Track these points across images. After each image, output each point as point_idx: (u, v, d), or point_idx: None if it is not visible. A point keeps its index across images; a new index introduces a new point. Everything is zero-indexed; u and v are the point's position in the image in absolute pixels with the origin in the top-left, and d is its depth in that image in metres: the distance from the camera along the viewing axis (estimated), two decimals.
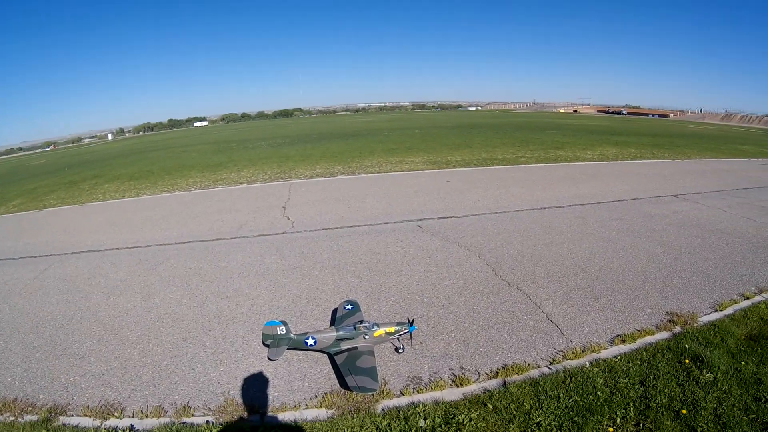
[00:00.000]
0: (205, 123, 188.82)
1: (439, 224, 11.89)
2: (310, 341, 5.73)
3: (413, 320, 6.05)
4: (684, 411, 4.73)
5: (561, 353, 5.99)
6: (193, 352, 6.21)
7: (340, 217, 12.70)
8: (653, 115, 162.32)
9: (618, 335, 6.41)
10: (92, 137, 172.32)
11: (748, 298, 7.63)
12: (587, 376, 5.37)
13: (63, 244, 11.64)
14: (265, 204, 14.87)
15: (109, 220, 14.34)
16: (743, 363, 5.59)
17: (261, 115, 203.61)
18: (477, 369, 5.70)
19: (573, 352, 5.95)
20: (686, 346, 5.97)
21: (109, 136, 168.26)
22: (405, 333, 5.94)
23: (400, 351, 6.05)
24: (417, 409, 4.83)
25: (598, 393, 5.06)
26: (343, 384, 5.31)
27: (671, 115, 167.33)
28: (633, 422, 4.62)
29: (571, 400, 4.93)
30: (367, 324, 5.84)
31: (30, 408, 5.22)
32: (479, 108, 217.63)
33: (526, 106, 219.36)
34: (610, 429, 4.51)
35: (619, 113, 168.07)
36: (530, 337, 6.41)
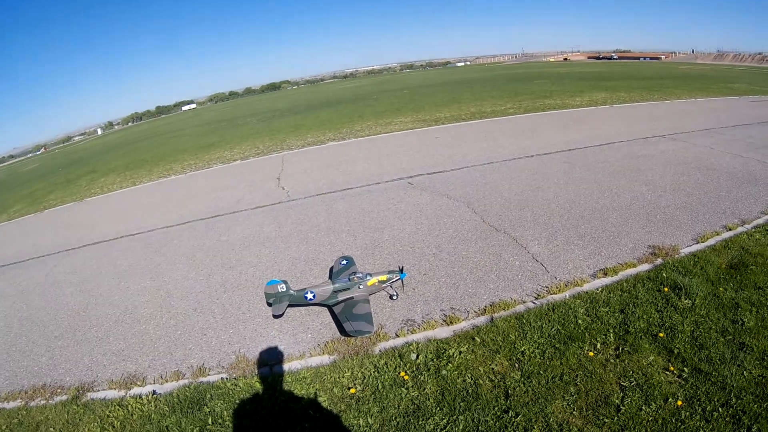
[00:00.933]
0: (193, 106, 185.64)
1: (429, 180, 12.16)
2: (309, 295, 6.11)
3: (403, 267, 6.47)
4: (661, 334, 5.07)
5: (545, 288, 6.35)
6: (204, 320, 6.61)
7: (332, 182, 12.97)
8: (644, 58, 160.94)
9: (600, 269, 6.76)
10: (82, 134, 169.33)
11: (730, 230, 7.93)
12: (569, 307, 5.72)
13: (68, 240, 11.89)
14: (259, 177, 15.13)
15: (111, 211, 14.60)
16: (722, 289, 5.91)
17: (249, 91, 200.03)
18: (466, 308, 6.08)
19: (557, 287, 6.32)
20: (665, 275, 6.32)
21: (99, 131, 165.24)
22: (396, 280, 6.32)
23: (394, 298, 6.47)
24: (411, 347, 5.22)
25: (579, 322, 5.41)
26: (342, 331, 5.72)
27: (663, 57, 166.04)
28: (613, 346, 4.97)
29: (553, 330, 5.30)
30: (360, 275, 6.20)
31: (59, 390, 5.63)
32: (468, 63, 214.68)
33: (515, 57, 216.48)
34: (591, 353, 4.86)
35: (610, 58, 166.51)
36: (516, 276, 6.77)
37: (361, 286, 6.14)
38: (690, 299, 5.71)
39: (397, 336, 5.59)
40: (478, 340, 5.23)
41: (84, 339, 6.70)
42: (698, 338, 5.00)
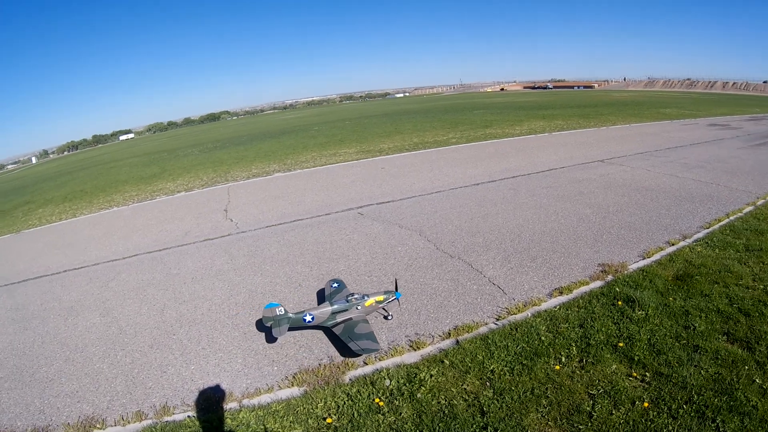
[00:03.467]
0: (131, 135, 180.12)
1: (379, 209, 12.48)
2: (308, 317, 6.29)
3: (397, 286, 6.88)
4: (621, 344, 5.51)
5: (505, 310, 6.70)
6: (162, 356, 6.47)
7: (282, 213, 13.04)
8: (578, 86, 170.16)
9: (556, 288, 7.22)
10: (15, 163, 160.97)
11: (673, 245, 8.73)
12: (531, 325, 6.08)
13: (7, 274, 11.30)
14: (206, 209, 14.96)
15: (51, 243, 13.96)
16: (671, 299, 6.54)
17: (188, 122, 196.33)
18: (431, 333, 6.31)
19: (516, 308, 6.67)
20: (618, 290, 6.87)
21: (33, 160, 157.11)
22: (392, 300, 6.65)
23: (389, 318, 6.75)
24: (381, 373, 5.39)
25: (542, 338, 5.77)
26: (346, 351, 5.91)
27: (596, 85, 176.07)
28: (577, 359, 5.35)
29: (518, 347, 5.62)
30: (357, 296, 6.49)
31: None
32: (407, 94, 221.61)
33: (453, 88, 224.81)
34: (557, 367, 5.21)
35: (545, 88, 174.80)
36: (476, 300, 7.09)
37: (358, 307, 6.40)
38: (643, 310, 6.25)
39: (366, 364, 5.74)
40: (447, 362, 5.48)
41: (33, 380, 6.41)
42: (655, 345, 5.48)
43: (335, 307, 6.41)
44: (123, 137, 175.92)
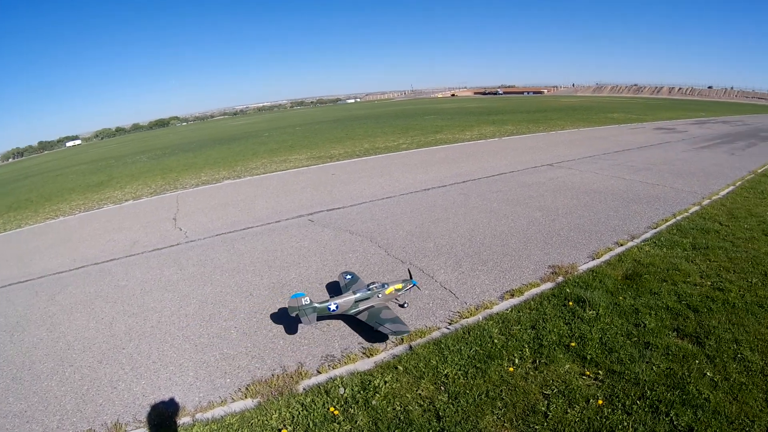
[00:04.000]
0: (78, 141, 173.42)
1: (329, 216, 12.39)
2: (333, 306, 6.49)
3: (411, 274, 7.29)
4: (573, 344, 5.61)
5: (458, 314, 6.71)
6: (112, 371, 6.21)
7: (232, 222, 12.80)
8: (528, 92, 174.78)
9: (507, 291, 7.30)
10: None
11: (621, 245, 9.01)
12: (483, 328, 6.11)
13: None
14: (154, 218, 14.54)
15: None
16: (621, 298, 6.73)
17: (136, 127, 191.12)
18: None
19: (468, 311, 6.70)
20: (568, 291, 7.02)
21: None
22: (410, 288, 6.99)
23: (405, 306, 7.06)
24: (335, 381, 5.32)
25: (495, 341, 5.80)
26: (376, 336, 6.25)
27: (545, 91, 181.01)
28: (530, 360, 5.40)
29: (472, 351, 5.63)
30: (378, 284, 6.77)
31: None
32: (358, 100, 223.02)
33: (405, 94, 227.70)
34: (511, 369, 5.24)
35: (496, 93, 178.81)
36: (428, 305, 7.09)
37: (379, 295, 6.68)
38: (594, 310, 6.40)
39: (319, 372, 5.65)
40: (401, 368, 5.44)
41: None
42: (607, 343, 5.61)
43: (358, 295, 6.66)
44: (70, 143, 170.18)
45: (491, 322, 6.31)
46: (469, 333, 6.05)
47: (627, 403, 4.57)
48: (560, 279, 7.57)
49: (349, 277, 7.66)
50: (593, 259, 8.42)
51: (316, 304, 6.39)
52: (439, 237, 9.99)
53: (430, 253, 9.11)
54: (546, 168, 17.04)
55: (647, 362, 5.18)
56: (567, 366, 5.21)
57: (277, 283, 8.38)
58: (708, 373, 4.95)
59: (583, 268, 7.99)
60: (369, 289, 6.72)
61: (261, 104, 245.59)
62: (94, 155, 61.19)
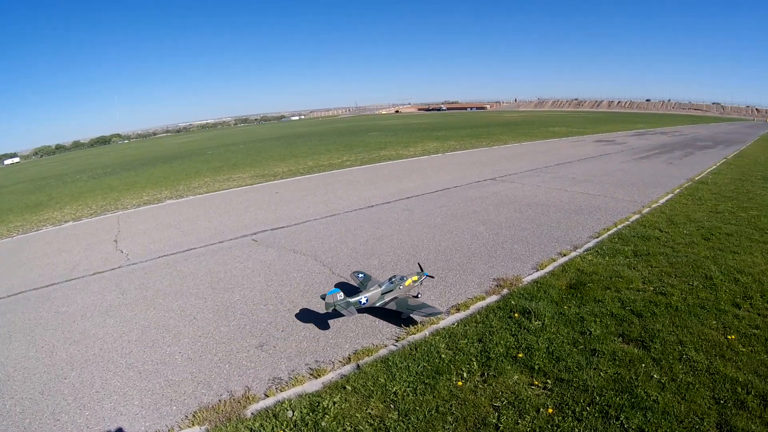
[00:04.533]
0: (16, 159, 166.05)
1: (273, 235, 12.24)
2: (363, 300, 7.05)
3: (422, 267, 7.94)
4: (520, 355, 5.68)
5: (404, 330, 6.70)
6: (54, 403, 5.92)
7: (174, 243, 12.46)
8: (471, 108, 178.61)
9: (453, 305, 7.37)
10: None
11: (565, 255, 9.26)
12: (430, 344, 6.11)
13: None
14: (95, 240, 14.01)
15: None
16: (566, 307, 6.90)
17: (77, 145, 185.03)
18: (331, 359, 6.20)
19: (415, 328, 6.70)
20: (513, 303, 7.13)
21: None
22: (424, 279, 7.78)
23: (419, 296, 7.67)
24: (284, 404, 5.21)
25: (443, 356, 5.82)
26: (407, 321, 7.01)
27: (488, 106, 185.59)
28: (478, 373, 5.42)
29: (420, 367, 5.62)
30: (398, 278, 7.46)
31: None
32: (303, 117, 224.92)
33: (349, 110, 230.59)
34: (459, 383, 5.25)
35: (439, 109, 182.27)
36: (374, 323, 7.06)
37: (400, 287, 7.32)
38: (540, 320, 6.52)
39: (267, 396, 5.54)
40: (350, 388, 5.38)
41: None
42: (554, 352, 5.71)
43: (383, 288, 7.27)
44: (8, 161, 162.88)
45: (438, 337, 6.33)
46: (416, 349, 6.04)
47: (577, 410, 4.66)
48: (505, 291, 7.68)
49: (361, 275, 8.18)
50: (537, 270, 8.61)
51: (350, 299, 6.89)
52: (383, 254, 10.00)
53: (374, 271, 9.08)
54: (489, 182, 17.40)
55: (595, 368, 5.30)
56: (515, 377, 5.26)
57: (221, 305, 8.21)
58: (655, 376, 5.12)
59: (527, 279, 8.14)
60: (392, 282, 7.35)
61: (205, 121, 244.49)
62: (33, 173, 58.94)
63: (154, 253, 11.75)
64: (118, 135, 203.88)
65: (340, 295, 6.83)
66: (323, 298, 6.84)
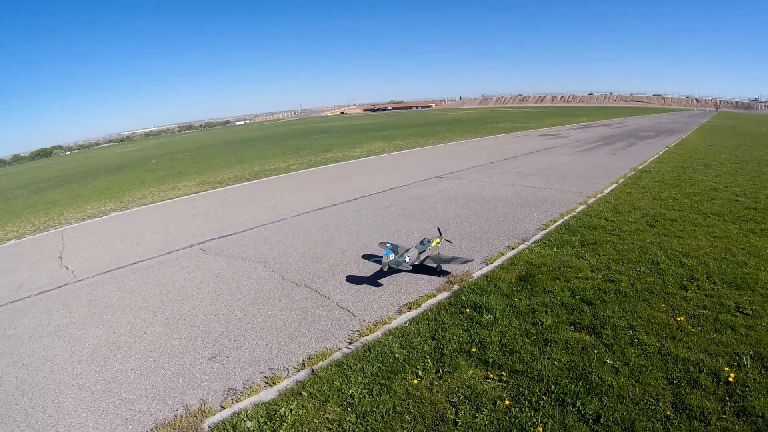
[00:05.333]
0: None
1: (221, 243, 12.02)
2: (407, 259, 8.29)
3: (441, 231, 9.50)
4: (474, 349, 5.72)
5: (357, 332, 6.66)
6: (7, 430, 5.66)
7: (121, 256, 12.07)
8: (417, 107, 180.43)
9: (404, 305, 7.39)
10: None
11: (513, 248, 9.44)
12: (384, 344, 6.10)
13: None
14: (39, 258, 13.42)
15: None
16: (517, 300, 7.01)
17: (17, 159, 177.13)
18: (285, 366, 6.10)
19: (367, 329, 6.67)
20: (464, 298, 7.21)
21: None
22: (442, 241, 9.24)
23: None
24: (240, 415, 5.11)
25: (397, 355, 5.81)
26: (441, 273, 8.55)
27: (434, 105, 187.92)
28: (433, 371, 5.44)
29: (374, 368, 5.59)
30: (426, 240, 9.01)
31: None
32: (247, 121, 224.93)
33: (294, 113, 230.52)
34: (415, 381, 5.25)
35: (385, 109, 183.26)
36: (327, 326, 6.99)
37: (430, 247, 8.88)
38: (491, 314, 6.60)
39: (223, 408, 5.42)
40: (306, 394, 5.31)
41: None
42: (507, 345, 5.79)
43: (419, 248, 8.73)
44: None
45: (391, 337, 6.32)
46: (370, 350, 6.02)
47: (533, 399, 4.73)
48: (456, 287, 7.76)
49: (389, 243, 9.61)
50: (486, 264, 8.73)
51: (398, 258, 8.29)
52: (332, 257, 9.93)
53: (324, 274, 9.03)
54: (436, 180, 17.56)
55: (548, 358, 5.40)
56: (470, 372, 5.30)
57: (171, 318, 8.00)
58: (608, 361, 5.26)
59: (477, 274, 8.24)
60: (423, 245, 8.83)
61: (148, 129, 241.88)
62: None
63: (101, 268, 11.39)
64: (60, 147, 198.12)
65: (392, 256, 8.21)
66: (367, 258, 9.47)
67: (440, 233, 9.33)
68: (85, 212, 20.27)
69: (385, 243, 9.75)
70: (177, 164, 38.42)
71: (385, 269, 8.22)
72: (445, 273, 8.45)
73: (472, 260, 8.72)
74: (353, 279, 8.69)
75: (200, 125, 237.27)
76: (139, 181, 29.72)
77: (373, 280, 8.44)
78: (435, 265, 8.67)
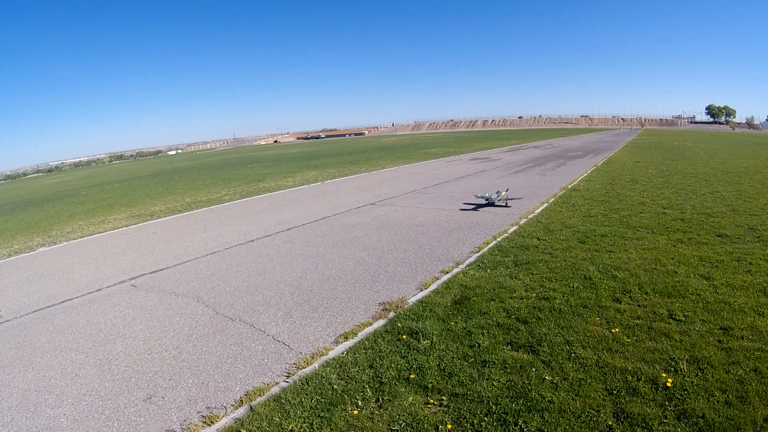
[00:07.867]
0: None
1: (153, 278, 11.65)
2: (494, 197, 15.74)
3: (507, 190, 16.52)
4: (413, 376, 5.73)
5: (294, 365, 6.55)
6: None
7: (48, 295, 11.48)
8: (350, 134, 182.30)
9: (341, 335, 7.33)
10: None
11: (447, 272, 9.53)
12: (321, 376, 6.02)
13: None
14: None
15: None
16: (453, 323, 7.07)
17: None
18: (222, 404, 5.92)
19: (304, 361, 6.58)
20: (400, 325, 7.22)
21: None
22: (507, 191, 16.61)
23: (509, 206, 15.92)
24: None
25: (335, 387, 5.74)
26: (505, 208, 15.54)
27: (366, 132, 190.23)
28: (373, 400, 5.40)
29: (313, 401, 5.51)
30: (499, 191, 16.07)
31: None
32: (179, 151, 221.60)
33: (227, 142, 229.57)
34: (355, 411, 5.20)
35: (318, 137, 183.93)
36: (263, 361, 6.85)
37: (501, 194, 15.86)
38: (428, 339, 6.63)
39: None
40: (245, 431, 5.20)
41: None
42: (446, 369, 5.82)
43: (497, 195, 15.79)
44: None
45: (328, 368, 6.25)
46: (308, 383, 5.93)
47: (475, 421, 4.76)
48: (392, 314, 7.75)
49: (487, 193, 16.32)
50: (422, 290, 8.76)
51: (491, 195, 15.74)
52: (266, 289, 9.80)
53: (259, 307, 8.89)
54: (369, 207, 17.66)
55: (487, 379, 5.46)
56: (410, 398, 5.30)
57: (103, 358, 7.65)
58: (547, 377, 5.37)
59: (412, 300, 8.27)
60: (498, 194, 15.80)
61: (78, 159, 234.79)
62: None
63: (28, 307, 10.84)
64: None
65: (487, 193, 15.83)
66: (476, 196, 16.84)
67: (506, 191, 16.43)
68: (11, 248, 19.31)
69: (485, 192, 16.49)
70: (107, 196, 37.25)
71: (484, 202, 15.91)
72: (507, 207, 15.42)
73: (521, 198, 16.78)
74: (288, 311, 8.58)
75: (131, 155, 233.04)
76: (68, 214, 28.62)
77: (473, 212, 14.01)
78: (504, 203, 15.74)
